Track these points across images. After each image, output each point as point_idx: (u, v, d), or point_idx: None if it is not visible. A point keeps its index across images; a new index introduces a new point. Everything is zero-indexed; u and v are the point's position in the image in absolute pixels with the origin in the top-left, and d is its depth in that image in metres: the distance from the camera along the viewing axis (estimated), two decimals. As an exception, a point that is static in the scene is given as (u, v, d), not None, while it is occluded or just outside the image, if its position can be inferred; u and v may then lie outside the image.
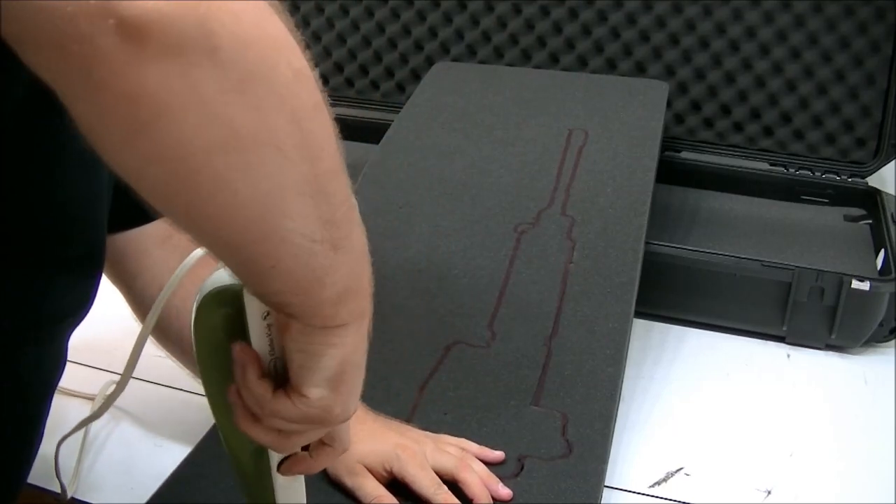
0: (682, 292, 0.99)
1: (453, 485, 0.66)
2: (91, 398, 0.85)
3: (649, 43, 1.23)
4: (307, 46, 0.37)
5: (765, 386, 0.90)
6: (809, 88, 1.18)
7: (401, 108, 1.17)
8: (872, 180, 1.17)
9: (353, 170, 1.18)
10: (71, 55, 0.31)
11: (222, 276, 0.45)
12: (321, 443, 0.50)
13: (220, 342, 0.46)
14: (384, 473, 0.67)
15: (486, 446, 0.71)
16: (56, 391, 0.66)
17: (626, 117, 1.11)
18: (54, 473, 0.75)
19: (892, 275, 0.95)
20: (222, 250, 0.39)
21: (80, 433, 0.79)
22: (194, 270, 0.54)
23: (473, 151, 1.06)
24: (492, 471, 0.68)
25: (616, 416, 0.75)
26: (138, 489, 0.73)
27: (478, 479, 0.66)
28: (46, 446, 0.67)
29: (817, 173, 1.19)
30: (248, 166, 0.35)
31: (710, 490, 0.76)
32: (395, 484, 0.66)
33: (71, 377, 0.70)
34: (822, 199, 1.18)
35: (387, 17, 1.32)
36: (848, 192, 1.17)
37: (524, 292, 0.87)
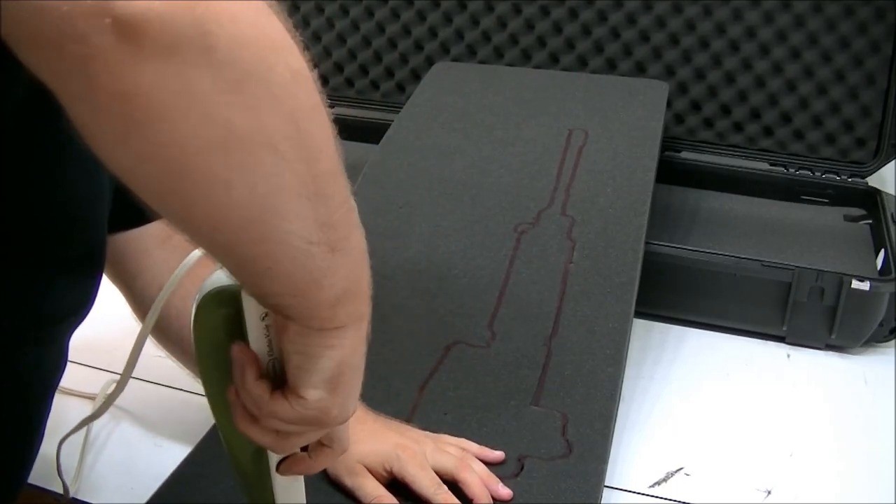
0: (682, 292, 0.99)
1: (453, 485, 0.66)
2: (92, 397, 0.85)
3: (649, 43, 1.23)
4: (306, 47, 0.37)
5: (765, 386, 0.90)
6: (809, 88, 1.18)
7: (401, 108, 1.17)
8: (872, 180, 1.18)
9: (353, 170, 1.17)
10: (67, 54, 0.31)
11: (221, 277, 0.45)
12: (320, 443, 0.50)
13: (220, 342, 0.46)
14: (384, 473, 0.67)
15: (486, 446, 0.71)
16: (56, 391, 0.66)
17: (626, 117, 1.11)
18: (55, 473, 0.75)
19: (892, 275, 0.95)
20: (219, 251, 0.39)
21: (82, 433, 0.79)
22: (194, 270, 0.54)
23: (473, 151, 1.06)
24: (492, 471, 0.68)
25: (616, 416, 0.75)
26: (138, 489, 0.73)
27: (478, 479, 0.66)
28: (47, 446, 0.67)
29: (817, 173, 1.19)
30: (244, 167, 0.35)
31: (710, 490, 0.76)
32: (395, 484, 0.66)
33: (71, 377, 0.70)
34: (822, 199, 1.18)
35: (387, 17, 1.32)
36: (848, 192, 1.17)
37: (524, 292, 0.87)
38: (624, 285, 0.86)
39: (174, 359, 0.78)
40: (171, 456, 0.75)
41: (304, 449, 0.51)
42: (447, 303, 0.86)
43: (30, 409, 0.63)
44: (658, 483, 0.77)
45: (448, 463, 0.67)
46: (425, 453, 0.67)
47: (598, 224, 0.93)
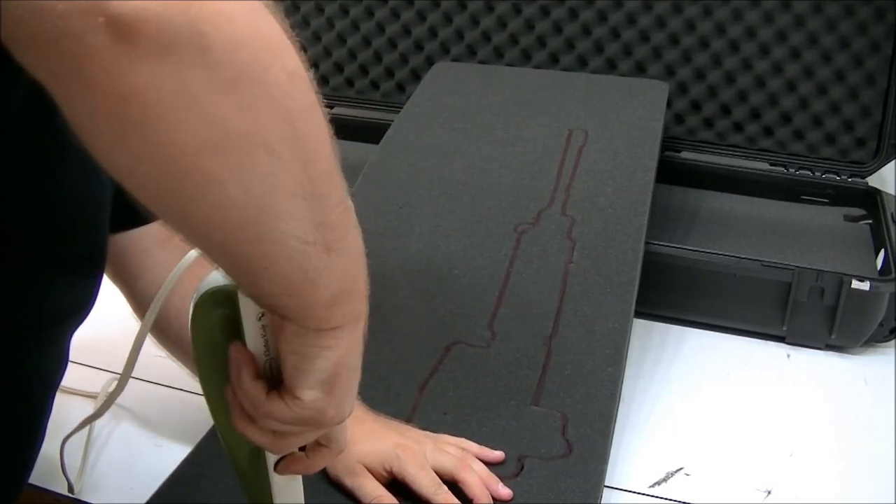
0: (682, 292, 0.99)
1: (453, 485, 0.66)
2: (93, 396, 0.85)
3: (649, 43, 1.23)
4: (306, 47, 0.37)
5: (765, 386, 0.90)
6: (809, 88, 1.18)
7: (401, 108, 1.17)
8: (872, 180, 1.18)
9: (353, 170, 1.17)
10: (62, 53, 0.31)
11: (218, 277, 0.45)
12: (318, 443, 0.50)
13: (217, 342, 0.46)
14: (384, 473, 0.67)
15: (486, 446, 0.71)
16: (58, 390, 0.66)
17: (626, 117, 1.11)
18: (55, 473, 0.75)
19: (892, 275, 0.95)
20: (215, 251, 0.39)
21: (84, 432, 0.79)
22: (195, 270, 0.54)
23: (473, 151, 1.06)
24: (492, 471, 0.68)
25: (616, 416, 0.75)
26: (139, 489, 0.73)
27: (478, 479, 0.66)
28: (49, 446, 0.67)
29: (817, 173, 1.19)
30: (240, 167, 0.35)
31: (710, 490, 0.76)
32: (395, 484, 0.66)
33: (72, 377, 0.71)
34: (822, 199, 1.18)
35: (387, 17, 1.32)
36: (848, 192, 1.17)
37: (524, 292, 0.87)
38: (624, 285, 0.86)
39: (174, 358, 0.79)
40: (171, 456, 0.75)
41: (303, 448, 0.51)
42: (447, 303, 0.86)
43: (31, 409, 0.63)
44: (658, 483, 0.77)
45: (448, 463, 0.67)
46: (425, 453, 0.67)
47: (598, 224, 0.93)
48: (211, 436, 0.74)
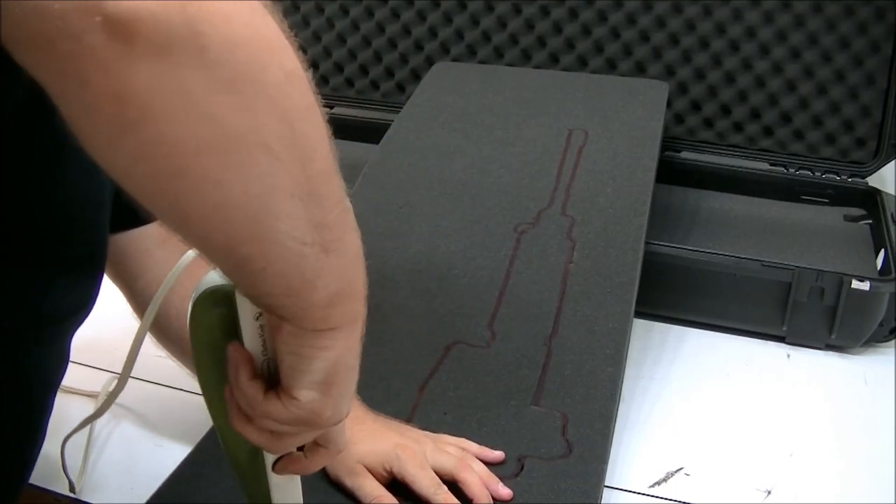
0: (682, 292, 0.99)
1: (453, 485, 0.66)
2: (94, 396, 0.85)
3: (649, 43, 1.23)
4: (304, 49, 0.37)
5: (765, 386, 0.90)
6: (809, 88, 1.18)
7: (401, 108, 1.17)
8: (872, 180, 1.18)
9: (353, 170, 1.17)
10: (59, 53, 0.31)
11: (216, 276, 0.45)
12: (316, 444, 0.50)
13: (215, 342, 0.46)
14: (384, 473, 0.67)
15: (486, 446, 0.71)
16: (58, 390, 0.66)
17: (626, 117, 1.11)
18: (56, 473, 0.75)
19: (892, 275, 0.95)
20: (212, 252, 0.39)
21: (85, 432, 0.79)
22: (195, 270, 0.53)
23: (473, 151, 1.06)
24: (492, 471, 0.68)
25: (616, 416, 0.76)
26: (139, 489, 0.73)
27: (478, 479, 0.66)
28: (49, 445, 0.67)
29: (817, 173, 1.19)
30: (237, 167, 0.35)
31: (710, 490, 0.76)
32: (395, 484, 0.66)
33: (72, 377, 0.71)
34: (822, 199, 1.18)
35: (387, 17, 1.32)
36: (848, 192, 1.17)
37: (524, 292, 0.87)
38: (624, 285, 0.86)
39: (174, 358, 0.79)
40: (171, 456, 0.75)
41: (302, 448, 0.51)
42: (447, 303, 0.86)
43: (31, 409, 0.63)
44: (658, 483, 0.77)
45: (448, 463, 0.67)
46: (425, 453, 0.67)
47: (598, 224, 0.93)
48: (211, 436, 0.74)
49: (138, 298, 0.75)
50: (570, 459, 0.70)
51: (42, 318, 0.60)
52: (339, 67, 1.37)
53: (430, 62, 1.30)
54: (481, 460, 0.69)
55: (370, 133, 1.19)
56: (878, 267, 1.02)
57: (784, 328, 0.96)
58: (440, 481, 0.66)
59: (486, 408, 0.75)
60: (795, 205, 1.18)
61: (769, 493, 0.76)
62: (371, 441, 0.67)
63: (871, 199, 1.14)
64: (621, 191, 0.98)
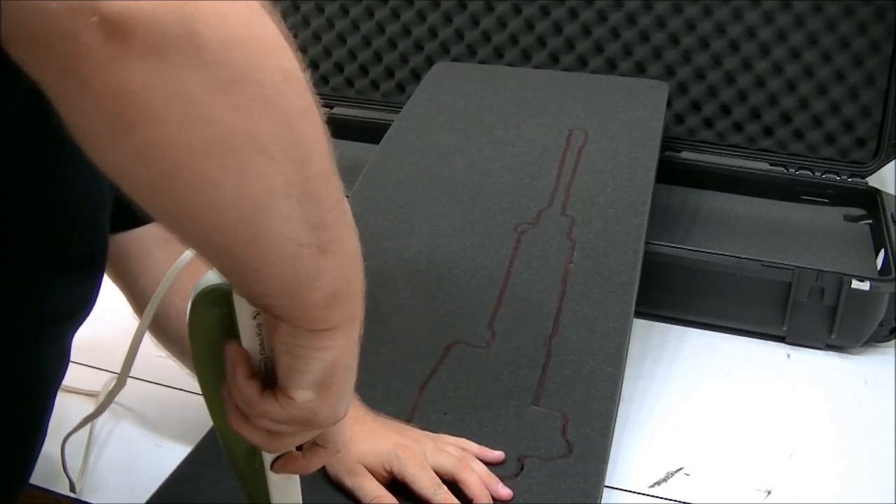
0: (682, 292, 0.99)
1: (453, 485, 0.66)
2: (94, 395, 0.85)
3: (649, 43, 1.23)
4: (304, 49, 0.37)
5: (765, 386, 0.90)
6: (809, 88, 1.18)
7: (401, 108, 1.17)
8: (872, 180, 1.18)
9: (353, 170, 1.17)
10: (56, 53, 0.31)
11: (215, 275, 0.45)
12: (314, 443, 0.50)
13: (214, 341, 0.46)
14: (384, 473, 0.67)
15: (486, 446, 0.71)
16: (59, 389, 0.66)
17: (626, 117, 1.11)
18: (55, 473, 0.75)
19: (892, 275, 0.95)
20: (208, 252, 0.39)
21: (85, 432, 0.79)
22: (195, 270, 0.53)
23: (473, 151, 1.06)
24: (492, 471, 0.68)
25: (616, 416, 0.76)
26: (139, 489, 0.73)
27: (478, 479, 0.66)
28: (49, 445, 0.67)
29: (817, 173, 1.19)
30: (233, 168, 0.35)
31: (710, 490, 0.76)
32: (395, 484, 0.66)
33: (72, 377, 0.71)
34: (822, 199, 1.18)
35: (387, 17, 1.32)
36: (848, 192, 1.17)
37: (524, 292, 0.87)
38: (624, 285, 0.86)
39: (174, 358, 0.79)
40: (171, 456, 0.75)
41: (301, 448, 0.51)
42: (447, 303, 0.86)
43: (31, 409, 0.63)
44: (658, 483, 0.77)
45: (448, 463, 0.67)
46: (425, 453, 0.67)
47: (598, 224, 0.93)
48: (211, 436, 0.74)
49: (139, 299, 0.75)
50: (570, 459, 0.70)
51: (42, 318, 0.60)
52: (339, 67, 1.37)
53: (430, 62, 1.30)
54: (481, 460, 0.69)
55: (370, 133, 1.19)
56: (878, 267, 1.02)
57: (784, 328, 0.96)
58: (440, 481, 0.66)
59: (486, 408, 0.75)
60: (795, 205, 1.18)
61: (769, 493, 0.76)
62: (371, 441, 0.67)
63: (871, 199, 1.14)
64: (621, 191, 0.98)
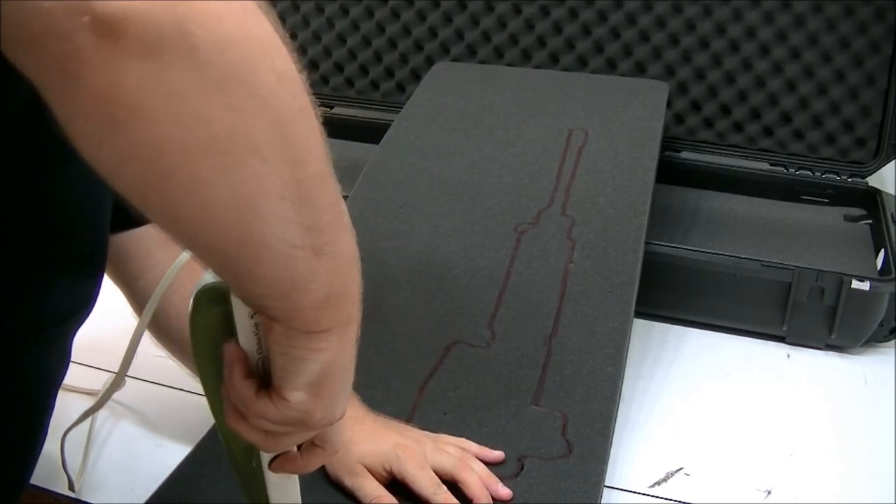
0: (682, 292, 0.99)
1: (453, 485, 0.66)
2: (94, 393, 0.85)
3: (649, 43, 1.23)
4: (304, 49, 0.37)
5: (765, 386, 0.90)
6: (809, 88, 1.18)
7: (401, 108, 1.17)
8: (872, 180, 1.18)
9: (353, 170, 1.17)
10: (49, 52, 0.31)
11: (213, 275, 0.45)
12: (312, 444, 0.50)
13: (214, 339, 0.46)
14: (384, 473, 0.67)
15: (486, 446, 0.71)
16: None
17: (626, 117, 1.11)
18: (56, 472, 0.75)
19: (892, 275, 0.95)
20: (202, 252, 0.39)
21: (85, 430, 0.79)
22: (196, 269, 0.54)
23: (473, 151, 1.06)
24: (492, 471, 0.68)
25: (616, 416, 0.75)
26: (138, 489, 0.73)
27: (477, 479, 0.66)
28: (49, 443, 0.67)
29: (817, 173, 1.19)
30: (226, 168, 0.35)
31: (710, 490, 0.76)
32: (394, 484, 0.66)
33: (72, 376, 0.70)
34: (822, 199, 1.18)
35: (387, 17, 1.32)
36: (848, 192, 1.17)
37: (524, 292, 0.87)
38: (624, 285, 0.86)
39: (174, 358, 0.79)
40: (171, 456, 0.75)
41: (300, 447, 0.51)
42: (447, 303, 0.86)
43: (32, 409, 0.63)
44: (658, 483, 0.77)
45: (448, 463, 0.67)
46: (425, 453, 0.67)
47: (598, 224, 0.93)
48: (211, 436, 0.74)
49: (139, 299, 0.75)
50: (570, 459, 0.70)
51: (42, 318, 0.60)
52: (339, 67, 1.37)
53: (430, 62, 1.30)
54: (481, 460, 0.69)
55: (370, 133, 1.19)
56: (878, 267, 1.02)
57: (784, 328, 0.96)
58: (440, 481, 0.66)
59: (486, 408, 0.75)
60: (795, 205, 1.18)
61: (769, 493, 0.76)
62: (371, 441, 0.67)
63: (871, 199, 1.14)
64: (621, 191, 0.98)
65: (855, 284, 0.92)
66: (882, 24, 1.13)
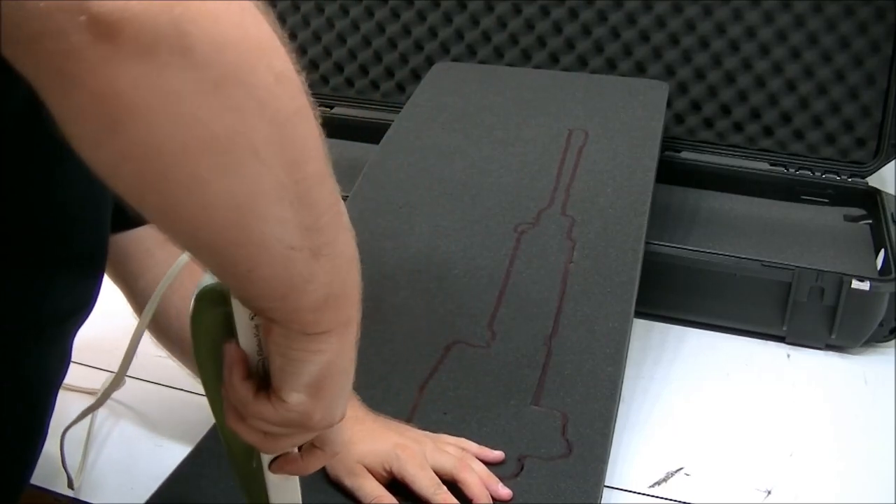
0: (682, 292, 0.99)
1: (453, 485, 0.66)
2: (94, 392, 0.85)
3: (649, 43, 1.23)
4: (304, 49, 0.37)
5: (765, 386, 0.90)
6: (809, 88, 1.18)
7: (401, 108, 1.17)
8: (872, 180, 1.18)
9: (353, 170, 1.17)
10: (46, 52, 0.31)
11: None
12: (312, 445, 0.50)
13: (215, 339, 0.46)
14: (384, 473, 0.67)
15: (486, 446, 0.71)
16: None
17: (626, 117, 1.11)
18: (55, 472, 0.75)
19: (892, 275, 0.95)
20: (200, 252, 0.39)
21: (85, 429, 0.79)
22: (195, 270, 0.54)
23: (473, 151, 1.06)
24: (492, 471, 0.68)
25: (616, 416, 0.76)
26: (138, 489, 0.73)
27: (477, 479, 0.66)
28: (49, 442, 0.67)
29: (817, 173, 1.19)
30: (222, 169, 0.35)
31: (710, 490, 0.76)
32: (394, 484, 0.66)
33: (72, 376, 0.70)
34: (822, 199, 1.18)
35: (387, 17, 1.32)
36: (848, 192, 1.17)
37: (524, 292, 0.87)
38: (624, 285, 0.86)
39: (174, 358, 0.79)
40: (171, 456, 0.75)
41: (300, 448, 0.51)
42: (447, 303, 0.86)
43: (32, 409, 0.63)
44: (658, 483, 0.77)
45: (447, 463, 0.67)
46: (425, 453, 0.67)
47: (598, 224, 0.93)
48: (211, 436, 0.74)
49: (139, 298, 0.75)
50: (570, 459, 0.70)
51: (42, 318, 0.60)
52: (339, 67, 1.37)
53: (430, 62, 1.30)
54: (481, 460, 0.69)
55: (370, 133, 1.19)
56: (878, 267, 1.02)
57: (784, 328, 0.96)
58: (440, 481, 0.66)
59: (486, 408, 0.75)
60: (795, 205, 1.18)
61: (769, 493, 0.76)
62: (371, 441, 0.67)
63: (871, 199, 1.14)
64: (621, 191, 0.98)
65: (855, 284, 0.92)
66: (882, 24, 1.13)
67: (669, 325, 1.00)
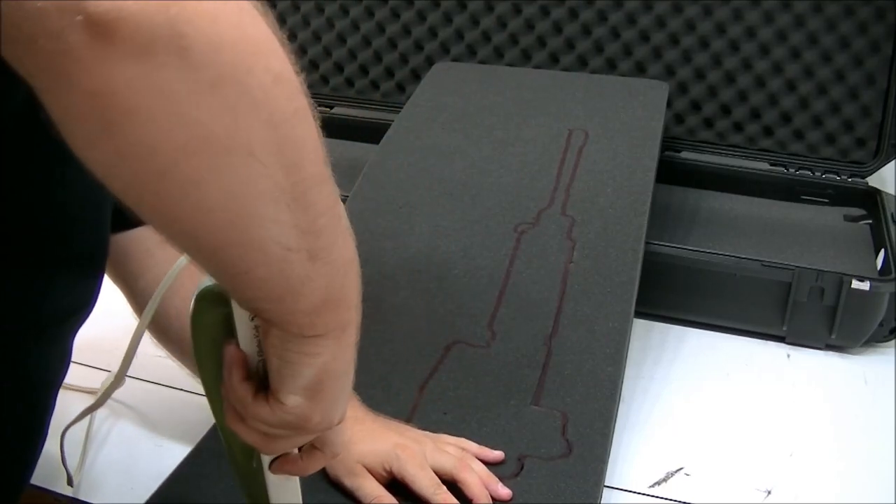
0: (682, 292, 0.99)
1: (453, 485, 0.66)
2: (94, 392, 0.85)
3: (649, 43, 1.23)
4: (304, 49, 0.37)
5: (765, 386, 0.90)
6: (809, 88, 1.18)
7: (401, 108, 1.17)
8: (872, 180, 1.18)
9: (353, 170, 1.17)
10: (42, 51, 0.31)
11: None
12: (312, 446, 0.50)
13: (216, 340, 0.46)
14: (384, 473, 0.66)
15: (486, 446, 0.71)
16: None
17: (626, 117, 1.11)
18: (55, 472, 0.75)
19: (892, 275, 0.95)
20: (196, 253, 0.39)
21: (84, 429, 0.79)
22: (196, 270, 0.54)
23: (473, 151, 1.06)
24: (492, 471, 0.68)
25: (616, 416, 0.76)
26: (138, 489, 0.73)
27: (477, 479, 0.66)
28: (49, 442, 0.67)
29: (817, 173, 1.19)
30: (218, 170, 0.35)
31: (710, 490, 0.76)
32: (394, 484, 0.66)
33: (72, 376, 0.70)
34: (822, 199, 1.18)
35: (387, 17, 1.32)
36: (848, 192, 1.17)
37: (524, 292, 0.87)
38: (624, 285, 0.86)
39: (174, 358, 0.79)
40: (171, 456, 0.75)
41: (301, 449, 0.51)
42: (447, 303, 0.86)
43: (32, 409, 0.63)
44: (658, 483, 0.77)
45: (447, 463, 0.67)
46: (425, 453, 0.67)
47: (598, 224, 0.93)
48: (211, 436, 0.74)
49: (139, 298, 0.75)
50: (570, 459, 0.70)
51: (42, 318, 0.59)
52: (339, 67, 1.37)
53: (430, 62, 1.30)
54: (481, 460, 0.69)
55: (370, 133, 1.20)
56: (878, 267, 1.02)
57: (784, 328, 0.96)
58: (440, 481, 0.66)
59: (486, 408, 0.75)
60: (795, 205, 1.18)
61: (769, 493, 0.76)
62: (371, 441, 0.67)
63: (871, 199, 1.14)
64: (621, 191, 0.98)
65: (855, 284, 0.92)
66: (882, 24, 1.13)
67: (669, 325, 1.00)
